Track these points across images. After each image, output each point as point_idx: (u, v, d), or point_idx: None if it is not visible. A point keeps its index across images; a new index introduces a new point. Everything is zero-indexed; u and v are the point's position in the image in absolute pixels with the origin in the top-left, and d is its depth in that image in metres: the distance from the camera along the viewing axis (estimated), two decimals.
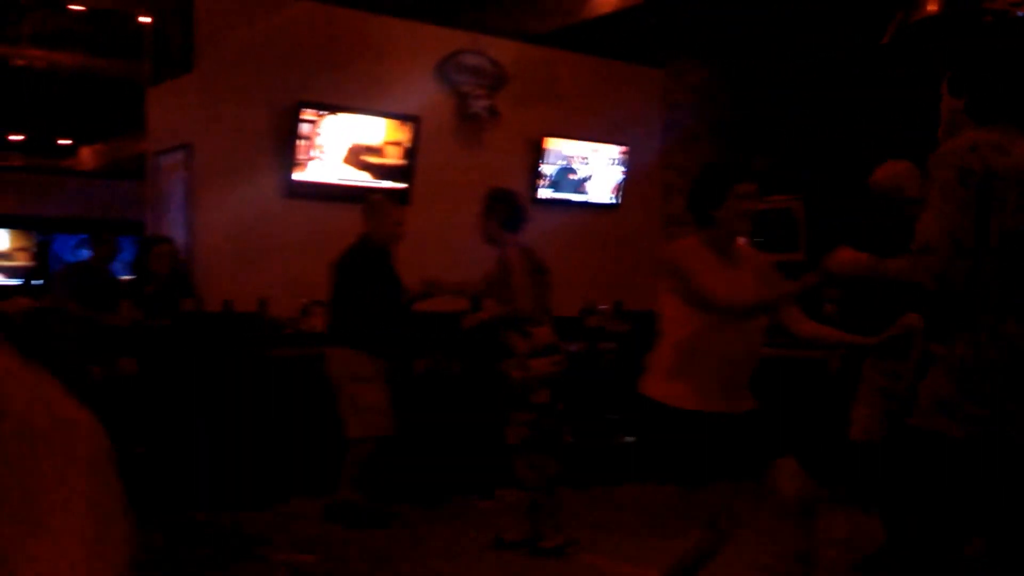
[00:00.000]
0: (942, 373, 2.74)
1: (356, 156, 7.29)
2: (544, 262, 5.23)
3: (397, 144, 7.48)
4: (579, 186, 8.69)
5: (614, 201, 8.91)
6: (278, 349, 6.39)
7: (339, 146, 7.20)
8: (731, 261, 3.45)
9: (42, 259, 11.81)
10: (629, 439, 7.07)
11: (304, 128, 7.00)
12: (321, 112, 7.08)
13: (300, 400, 6.21)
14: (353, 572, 4.81)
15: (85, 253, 9.36)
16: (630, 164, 8.88)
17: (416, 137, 7.53)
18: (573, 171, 8.63)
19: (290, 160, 7.03)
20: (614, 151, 8.81)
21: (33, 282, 10.34)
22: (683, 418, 3.30)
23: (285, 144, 7.04)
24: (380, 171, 7.42)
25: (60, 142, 12.80)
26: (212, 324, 6.54)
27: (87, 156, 13.25)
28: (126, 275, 7.74)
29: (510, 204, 5.19)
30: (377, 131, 7.37)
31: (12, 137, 13.05)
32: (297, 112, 6.96)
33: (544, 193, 8.43)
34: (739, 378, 3.40)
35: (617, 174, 8.86)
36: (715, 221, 3.40)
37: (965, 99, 2.89)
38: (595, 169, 8.74)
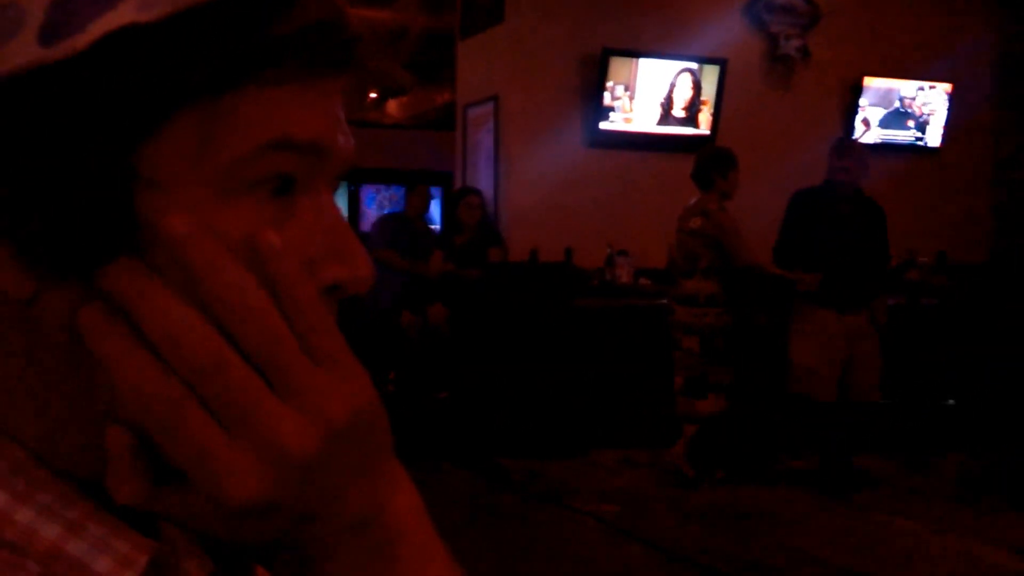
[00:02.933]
0: None
1: (661, 102, 7.40)
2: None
3: (703, 89, 7.52)
4: (900, 129, 8.38)
5: (938, 144, 8.53)
6: (583, 299, 6.59)
7: (644, 93, 7.31)
8: None
9: (352, 209, 12.72)
10: (950, 402, 6.84)
11: (610, 76, 7.17)
12: (627, 59, 7.22)
13: (605, 351, 6.39)
14: (658, 525, 4.92)
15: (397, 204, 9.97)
16: (956, 104, 8.45)
17: (722, 81, 7.54)
18: (893, 113, 8.33)
19: (596, 109, 7.22)
20: (939, 90, 8.41)
21: None
22: None
23: (591, 93, 7.21)
24: (684, 118, 7.50)
25: (369, 95, 13.64)
26: (519, 274, 6.83)
27: (393, 108, 14.09)
28: (436, 225, 8.20)
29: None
30: (683, 76, 7.43)
31: None
32: (603, 60, 7.13)
33: (861, 137, 8.21)
34: None
35: (941, 115, 8.47)
36: None
37: None
38: (917, 110, 8.40)
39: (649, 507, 5.20)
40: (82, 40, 0.41)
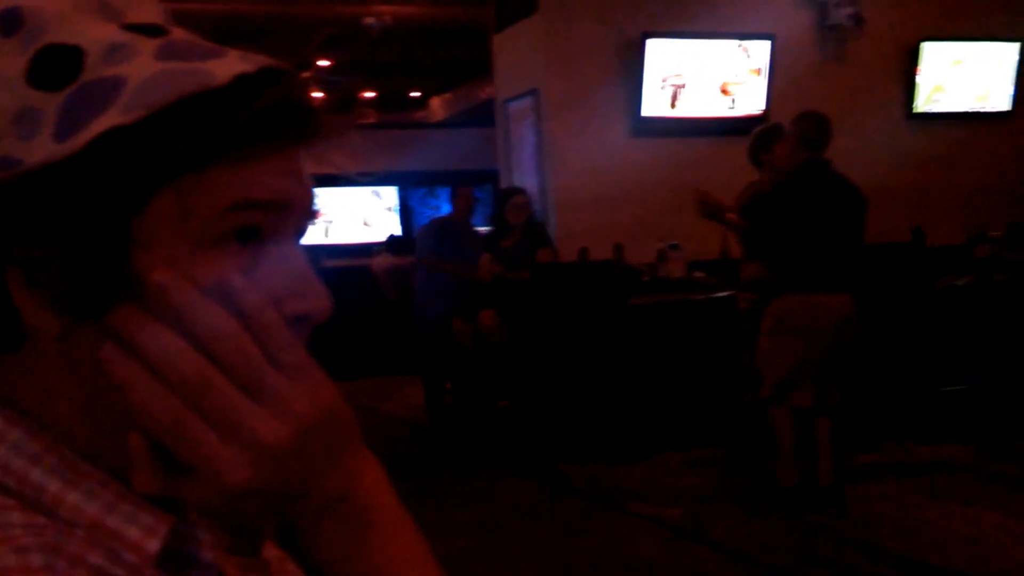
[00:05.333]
0: None
1: (707, 84, 7.30)
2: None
3: (751, 67, 7.40)
4: (965, 94, 8.18)
5: (1008, 108, 8.30)
6: (636, 297, 6.50)
7: (689, 76, 7.20)
8: None
9: (401, 214, 12.73)
10: None
11: (651, 60, 7.07)
12: (668, 40, 7.11)
13: (661, 350, 6.31)
14: (724, 525, 4.88)
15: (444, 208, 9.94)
16: None
17: (772, 57, 7.40)
18: (956, 77, 8.12)
19: (638, 96, 7.13)
20: (1007, 50, 8.19)
21: (395, 238, 11.07)
22: None
23: (633, 80, 7.12)
24: (733, 98, 7.39)
25: (411, 95, 13.65)
26: (569, 275, 6.75)
27: (437, 107, 14.07)
28: (484, 227, 8.15)
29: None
30: (728, 56, 7.31)
31: (365, 94, 14.12)
32: (643, 44, 7.02)
33: (922, 106, 8.04)
34: None
35: (1011, 76, 8.25)
36: None
37: None
38: (984, 72, 8.17)
39: (715, 507, 5.17)
40: (80, 140, 0.54)
